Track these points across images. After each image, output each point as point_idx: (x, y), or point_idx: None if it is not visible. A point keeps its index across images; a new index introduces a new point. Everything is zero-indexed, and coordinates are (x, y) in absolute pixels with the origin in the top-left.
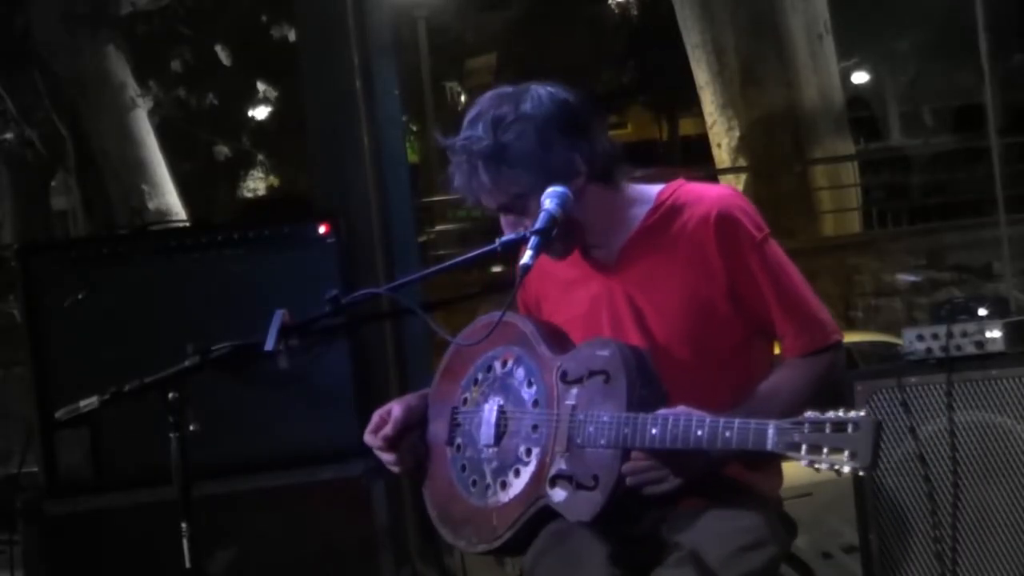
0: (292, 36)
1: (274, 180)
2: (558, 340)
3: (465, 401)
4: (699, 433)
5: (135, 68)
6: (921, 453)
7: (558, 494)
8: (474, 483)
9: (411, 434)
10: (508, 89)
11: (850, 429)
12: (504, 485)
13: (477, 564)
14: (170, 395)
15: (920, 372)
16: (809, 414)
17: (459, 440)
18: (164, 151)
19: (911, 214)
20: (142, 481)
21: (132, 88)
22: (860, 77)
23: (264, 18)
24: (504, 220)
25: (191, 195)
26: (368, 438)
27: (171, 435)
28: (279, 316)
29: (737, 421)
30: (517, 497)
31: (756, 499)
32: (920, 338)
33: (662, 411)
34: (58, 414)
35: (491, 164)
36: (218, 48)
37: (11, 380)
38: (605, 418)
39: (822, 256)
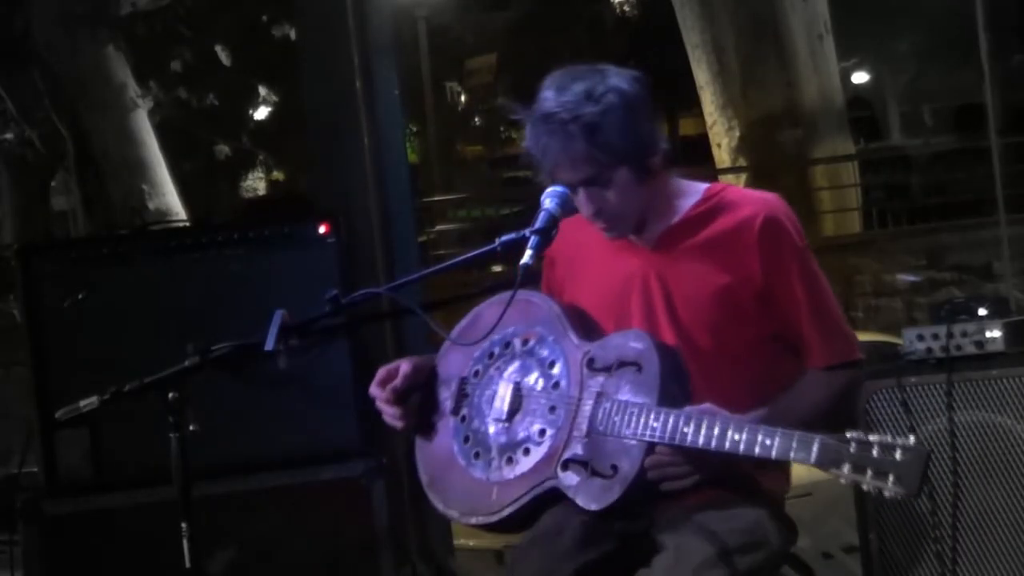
0: (292, 36)
1: (277, 176)
2: (585, 326)
3: (476, 373)
4: (736, 438)
5: (135, 68)
6: None
7: (570, 478)
8: (476, 455)
9: (416, 394)
10: (582, 66)
11: (899, 454)
12: (510, 461)
13: (477, 564)
14: (170, 395)
15: (920, 372)
16: (854, 433)
17: (465, 411)
18: (164, 151)
19: (911, 214)
20: (142, 481)
21: (132, 88)
22: (860, 77)
23: (264, 18)
24: (581, 196)
25: (191, 195)
26: (374, 390)
27: (171, 435)
28: (279, 316)
29: (779, 431)
30: (524, 475)
31: (759, 498)
32: (920, 338)
33: (693, 409)
34: (58, 414)
35: (589, 132)
36: (218, 48)
37: (11, 380)
38: (634, 409)
39: (822, 256)
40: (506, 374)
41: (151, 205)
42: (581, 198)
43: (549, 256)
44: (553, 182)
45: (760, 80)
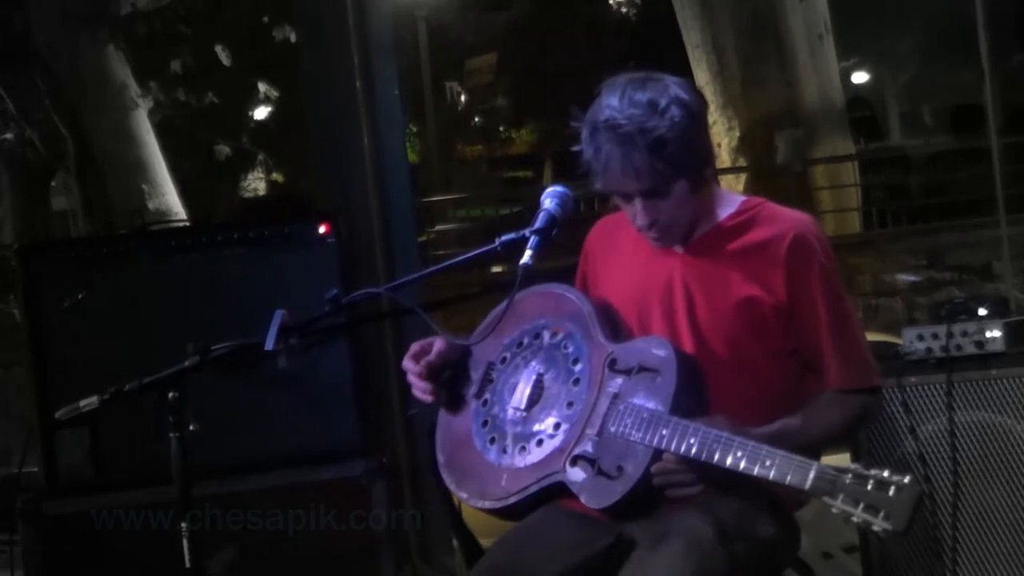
0: (292, 36)
1: (276, 178)
2: (613, 326)
3: (504, 360)
4: (738, 455)
5: (135, 68)
6: (921, 453)
7: (576, 474)
8: (492, 440)
9: (448, 371)
10: (640, 74)
11: (892, 491)
12: (523, 450)
13: None
14: (170, 395)
15: (920, 372)
16: (853, 465)
17: (487, 395)
18: (164, 151)
19: (911, 214)
20: (142, 481)
21: (132, 88)
22: (860, 77)
23: (264, 18)
24: (638, 206)
25: (191, 195)
26: (407, 363)
27: (171, 435)
28: (279, 316)
29: (780, 453)
30: (533, 465)
31: (763, 500)
32: (920, 338)
33: (704, 421)
34: (58, 414)
35: (655, 145)
36: (218, 48)
37: (11, 380)
38: (646, 414)
39: None
40: (531, 365)
41: (151, 205)
42: (637, 208)
43: (585, 250)
44: (608, 190)
45: (760, 80)
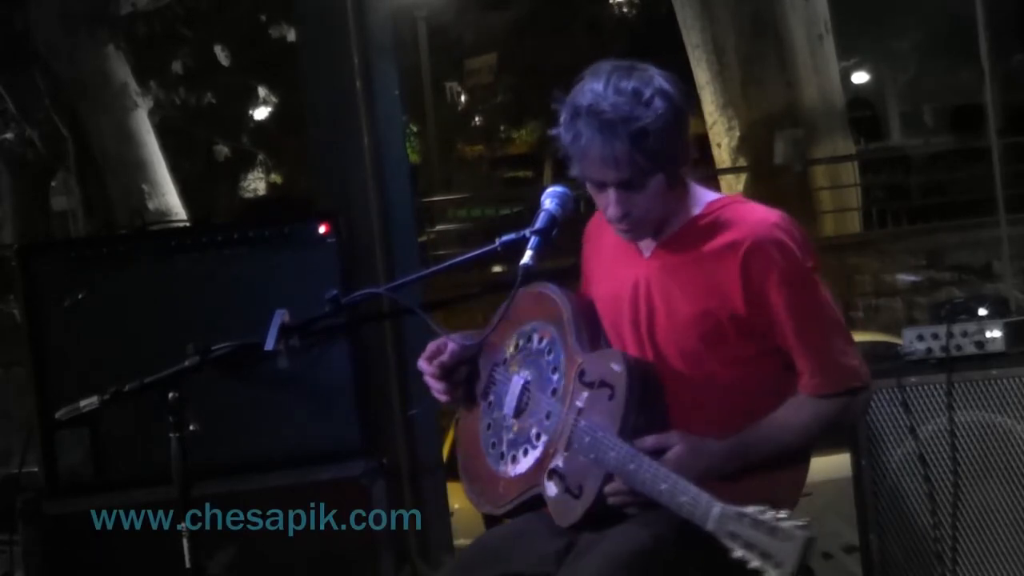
0: (292, 36)
1: (276, 178)
2: (590, 332)
3: (504, 362)
4: (662, 487)
5: (135, 68)
6: (921, 453)
7: (552, 488)
8: (493, 445)
9: (464, 368)
10: (626, 63)
11: (780, 538)
12: (514, 459)
13: None
14: (170, 395)
15: (920, 372)
16: (752, 509)
17: (492, 398)
18: (164, 151)
19: (911, 214)
20: (142, 481)
21: (132, 88)
22: (860, 77)
23: (264, 18)
24: (611, 196)
25: (191, 195)
26: (422, 364)
27: (171, 435)
28: (279, 316)
29: (693, 490)
30: (521, 476)
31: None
32: (920, 338)
33: (650, 440)
34: (58, 414)
35: (637, 136)
36: (218, 48)
37: (11, 380)
38: (599, 435)
39: (822, 256)
40: (522, 371)
41: (151, 205)
42: (610, 198)
43: (583, 242)
44: (583, 177)
45: (760, 80)
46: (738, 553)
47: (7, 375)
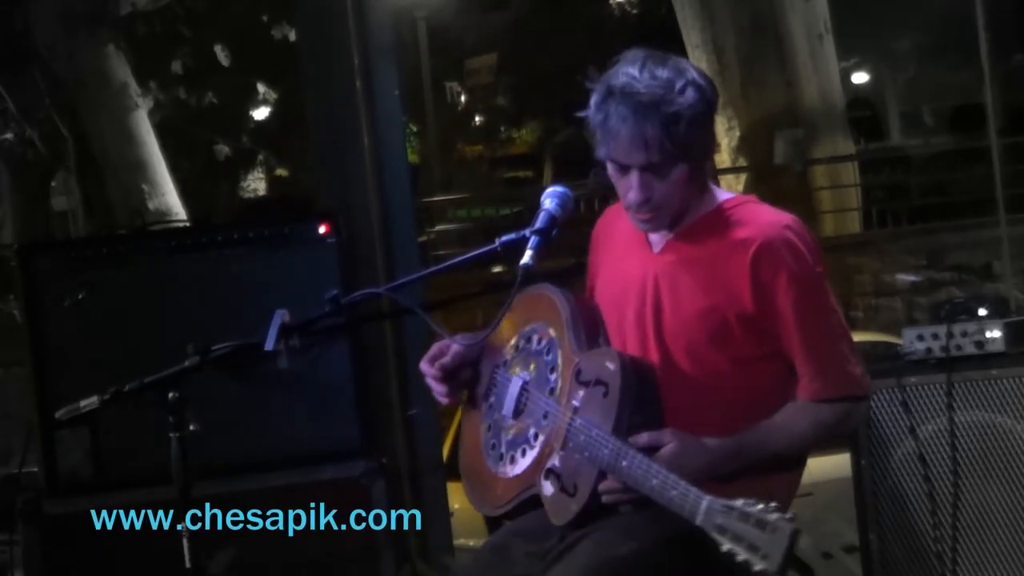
0: (292, 36)
1: (279, 174)
2: (589, 331)
3: (505, 363)
4: (653, 482)
5: (135, 68)
6: (921, 453)
7: (548, 488)
8: (492, 446)
9: (466, 370)
10: (660, 52)
11: (767, 531)
12: (512, 460)
13: None
14: (170, 395)
15: (920, 372)
16: (740, 502)
17: (492, 399)
18: (164, 151)
19: (911, 214)
20: (142, 481)
21: (132, 88)
22: (860, 77)
23: (264, 18)
24: (634, 179)
25: (191, 195)
26: (424, 366)
27: (171, 435)
28: (279, 316)
29: (682, 485)
30: (518, 476)
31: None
32: (920, 338)
33: (644, 437)
34: (58, 414)
35: (669, 120)
36: (218, 48)
37: (11, 380)
38: (594, 432)
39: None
40: (521, 371)
41: (151, 205)
42: (632, 182)
43: (592, 238)
44: (610, 158)
45: (760, 80)
46: (726, 546)
47: (7, 375)
